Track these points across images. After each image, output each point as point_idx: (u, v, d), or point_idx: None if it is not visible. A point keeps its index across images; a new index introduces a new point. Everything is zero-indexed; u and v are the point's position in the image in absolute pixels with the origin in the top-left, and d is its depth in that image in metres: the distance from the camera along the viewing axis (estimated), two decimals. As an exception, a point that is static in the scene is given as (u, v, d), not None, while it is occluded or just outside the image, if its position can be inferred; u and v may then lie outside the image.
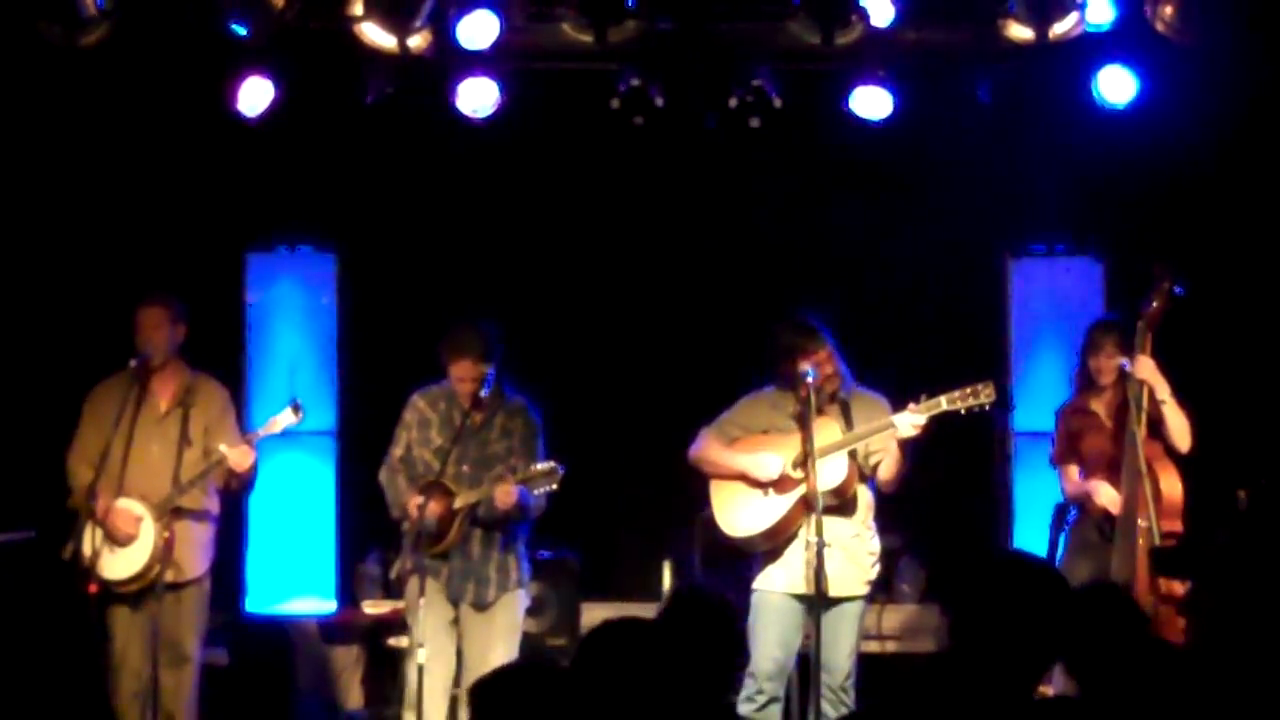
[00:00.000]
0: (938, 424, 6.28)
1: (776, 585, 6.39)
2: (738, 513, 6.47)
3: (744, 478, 6.45)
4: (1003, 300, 8.67)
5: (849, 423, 6.39)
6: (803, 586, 6.29)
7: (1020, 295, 8.68)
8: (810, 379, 6.24)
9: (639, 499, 8.57)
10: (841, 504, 6.33)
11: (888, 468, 6.37)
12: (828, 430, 6.35)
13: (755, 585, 6.45)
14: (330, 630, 8.18)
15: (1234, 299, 7.96)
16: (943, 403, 6.26)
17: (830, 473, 6.28)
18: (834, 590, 6.22)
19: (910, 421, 6.24)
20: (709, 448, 6.57)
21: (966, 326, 8.52)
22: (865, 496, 6.44)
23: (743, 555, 6.54)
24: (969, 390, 6.26)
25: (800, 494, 6.32)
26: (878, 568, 6.51)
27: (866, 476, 6.42)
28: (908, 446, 6.30)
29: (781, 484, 6.39)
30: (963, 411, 6.27)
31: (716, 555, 6.84)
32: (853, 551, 6.37)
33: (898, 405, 6.33)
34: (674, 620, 4.22)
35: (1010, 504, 8.49)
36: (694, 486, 6.69)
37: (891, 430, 6.27)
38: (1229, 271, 7.94)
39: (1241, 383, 8.01)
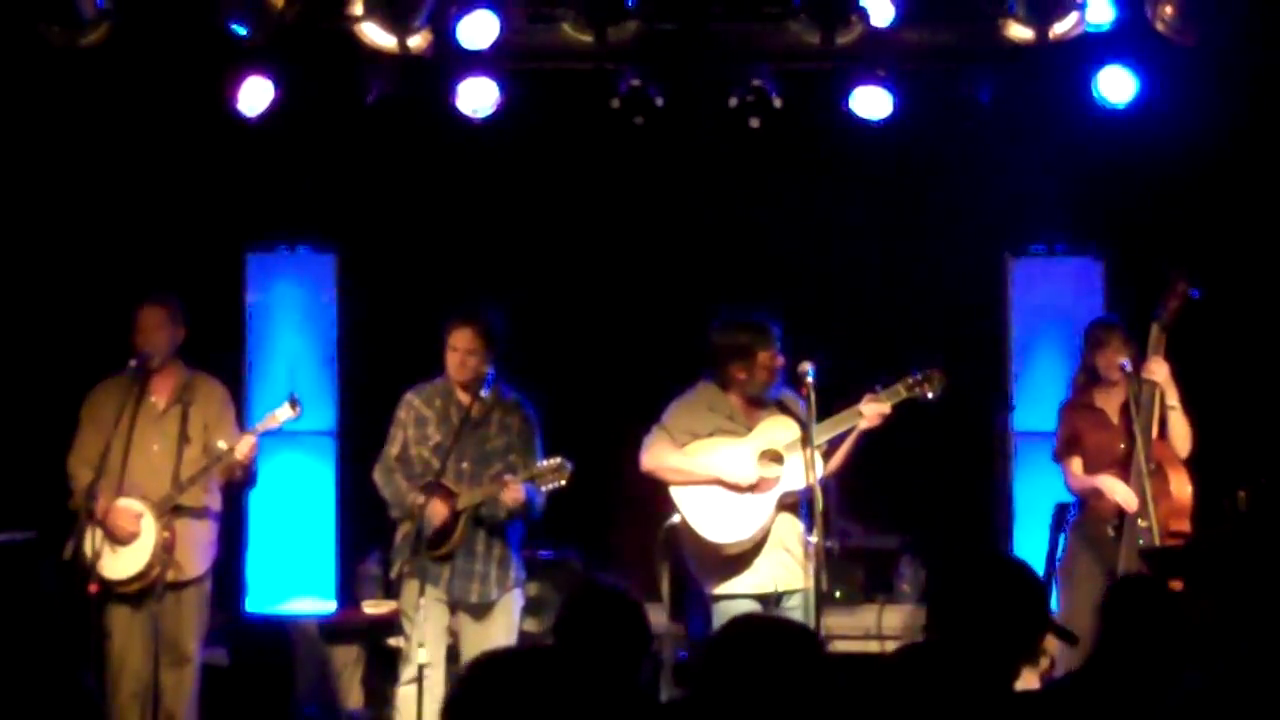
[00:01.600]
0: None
1: (744, 589, 6.40)
2: (722, 519, 6.44)
3: (719, 482, 6.43)
4: (1003, 300, 8.67)
5: (796, 419, 6.41)
6: (767, 586, 6.37)
7: (1020, 295, 8.68)
8: (811, 378, 6.25)
9: (639, 499, 8.56)
10: (798, 501, 6.35)
11: (836, 461, 6.44)
12: (784, 428, 6.39)
13: (717, 591, 6.43)
14: (330, 630, 8.18)
15: (1234, 299, 7.95)
16: (901, 390, 6.37)
17: (803, 470, 6.30)
18: (793, 584, 6.33)
19: (877, 410, 6.30)
20: (668, 455, 6.51)
21: (966, 326, 8.51)
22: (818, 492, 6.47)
23: (710, 559, 6.50)
24: (922, 376, 6.38)
25: (779, 493, 6.35)
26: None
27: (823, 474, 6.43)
28: (862, 439, 6.37)
29: (759, 485, 6.40)
30: (918, 398, 6.35)
31: (684, 563, 6.79)
32: (805, 546, 6.36)
33: (857, 397, 6.36)
34: (576, 617, 4.21)
35: (1010, 504, 8.48)
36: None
37: (859, 420, 6.30)
38: (1229, 271, 7.92)
39: (1241, 383, 8.01)
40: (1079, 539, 6.75)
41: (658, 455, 6.53)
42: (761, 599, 6.38)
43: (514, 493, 6.40)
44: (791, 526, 6.38)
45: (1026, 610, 3.66)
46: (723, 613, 6.37)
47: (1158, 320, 6.51)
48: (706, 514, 6.46)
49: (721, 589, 6.43)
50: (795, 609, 6.34)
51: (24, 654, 6.99)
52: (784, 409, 6.44)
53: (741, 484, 6.39)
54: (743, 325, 6.45)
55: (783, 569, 6.39)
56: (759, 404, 6.47)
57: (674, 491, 6.52)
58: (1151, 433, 6.46)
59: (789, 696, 3.24)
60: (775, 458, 6.38)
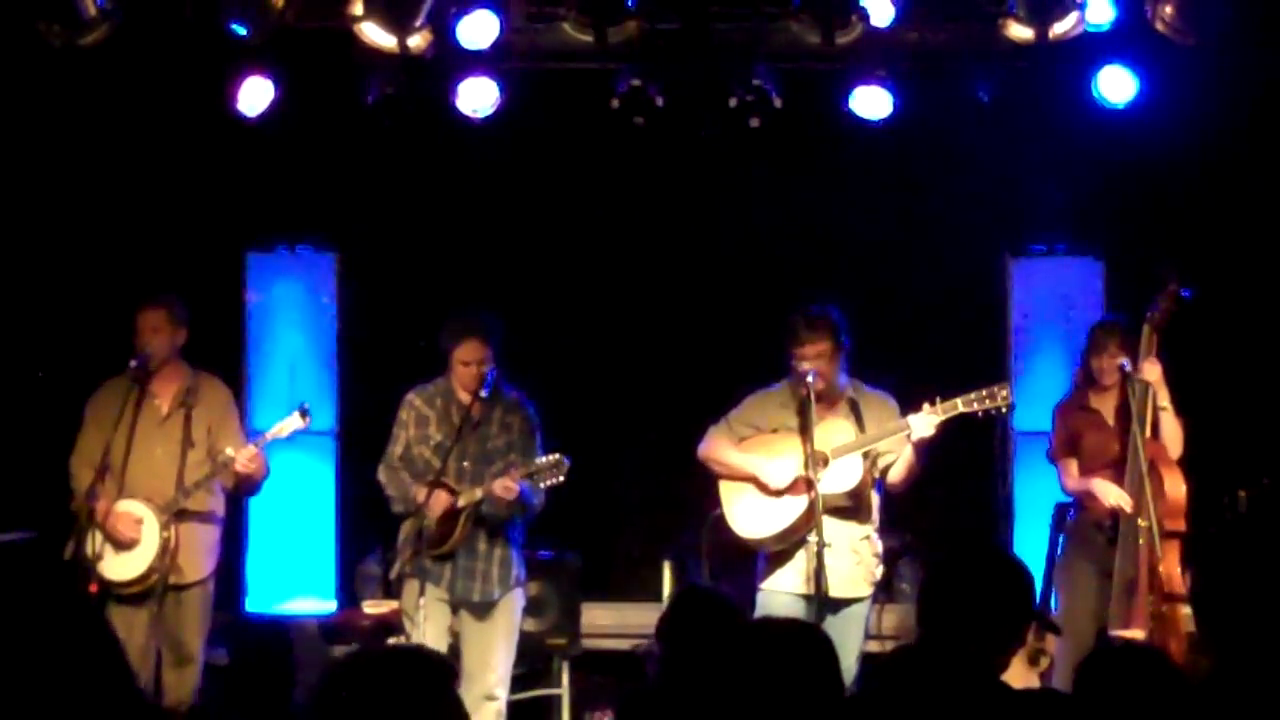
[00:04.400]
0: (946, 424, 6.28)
1: (784, 586, 6.37)
2: (751, 514, 6.44)
3: (755, 481, 6.43)
4: (1003, 300, 8.67)
5: (859, 422, 6.36)
6: (811, 587, 6.27)
7: (1020, 295, 8.68)
8: (811, 379, 6.22)
9: (639, 498, 8.57)
10: (854, 506, 6.31)
11: (899, 470, 6.35)
12: (841, 431, 6.32)
13: (762, 585, 6.43)
14: (330, 630, 8.17)
15: (1234, 299, 7.96)
16: (959, 405, 6.23)
17: (845, 475, 6.27)
18: (843, 592, 6.25)
19: (927, 423, 6.20)
20: (718, 447, 6.53)
21: (966, 326, 8.51)
22: (874, 498, 6.43)
23: (750, 555, 6.52)
24: (985, 393, 6.23)
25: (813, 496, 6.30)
26: (881, 568, 6.51)
27: (876, 479, 6.40)
28: (923, 448, 6.27)
29: (794, 486, 6.36)
30: (979, 414, 6.24)
31: (725, 555, 6.82)
32: (861, 553, 6.36)
33: (906, 406, 6.31)
34: (679, 621, 4.26)
35: (1010, 504, 8.48)
36: (696, 486, 6.67)
37: (906, 432, 6.25)
38: (1229, 271, 7.94)
39: (1241, 383, 8.01)
40: (1075, 540, 6.74)
41: (709, 447, 6.55)
42: (806, 599, 6.29)
43: (505, 487, 6.38)
44: (847, 532, 6.31)
45: (1013, 596, 3.67)
46: (763, 605, 6.38)
47: (1149, 321, 6.50)
48: (738, 506, 6.48)
49: (765, 583, 6.44)
50: (852, 618, 6.28)
51: (24, 654, 6.99)
52: (854, 410, 6.38)
53: (773, 487, 6.37)
54: (794, 318, 6.39)
55: (833, 574, 6.21)
56: (829, 402, 6.40)
57: (720, 482, 6.53)
58: (1146, 433, 6.45)
59: (794, 695, 3.26)
60: (820, 461, 6.31)
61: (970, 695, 3.53)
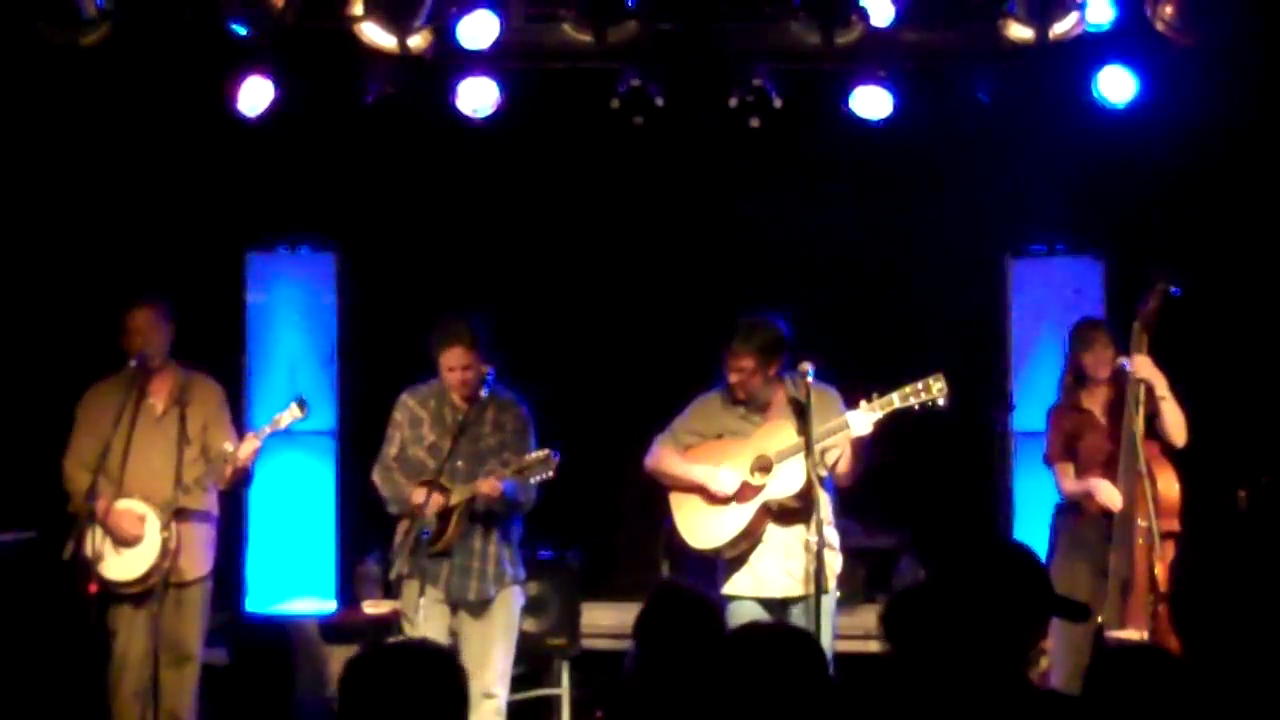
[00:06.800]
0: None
1: (744, 590, 6.40)
2: (701, 525, 6.45)
3: (702, 491, 6.44)
4: (1003, 300, 8.67)
5: (802, 421, 6.35)
6: (768, 590, 6.34)
7: (1020, 295, 8.68)
8: (811, 378, 6.22)
9: (639, 498, 8.56)
10: (803, 506, 6.28)
11: (843, 465, 6.36)
12: (783, 434, 6.33)
13: (725, 591, 6.43)
14: (330, 630, 8.18)
15: (1234, 298, 7.96)
16: (894, 400, 6.20)
17: (790, 478, 6.27)
18: (803, 589, 6.24)
19: (865, 420, 6.18)
20: (663, 459, 6.53)
21: (966, 326, 8.51)
22: (822, 495, 6.39)
23: (709, 561, 6.52)
24: (920, 385, 6.20)
25: (763, 501, 6.32)
26: (840, 559, 6.45)
27: (822, 477, 6.36)
28: (862, 444, 6.26)
29: (742, 493, 6.37)
30: (916, 408, 6.21)
31: (687, 562, 6.81)
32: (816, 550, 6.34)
33: (852, 403, 6.29)
34: (655, 619, 4.25)
35: (1010, 504, 8.48)
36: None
37: (846, 430, 6.24)
38: (1229, 270, 7.94)
39: (1241, 382, 8.01)
40: (1071, 540, 6.73)
41: (656, 459, 6.57)
42: (765, 603, 6.36)
43: (489, 486, 6.40)
44: (795, 534, 6.32)
45: (1030, 592, 3.64)
46: (729, 613, 6.37)
47: (1139, 318, 6.50)
48: (687, 517, 6.50)
49: (726, 589, 6.44)
50: (799, 618, 6.26)
51: (24, 654, 6.99)
52: (798, 410, 6.34)
53: (719, 495, 6.39)
54: (735, 323, 6.42)
55: (785, 576, 6.33)
56: (759, 407, 6.43)
57: (670, 494, 6.55)
58: (1141, 432, 6.44)
59: (785, 701, 3.25)
60: (765, 465, 6.35)
61: (996, 695, 3.51)
